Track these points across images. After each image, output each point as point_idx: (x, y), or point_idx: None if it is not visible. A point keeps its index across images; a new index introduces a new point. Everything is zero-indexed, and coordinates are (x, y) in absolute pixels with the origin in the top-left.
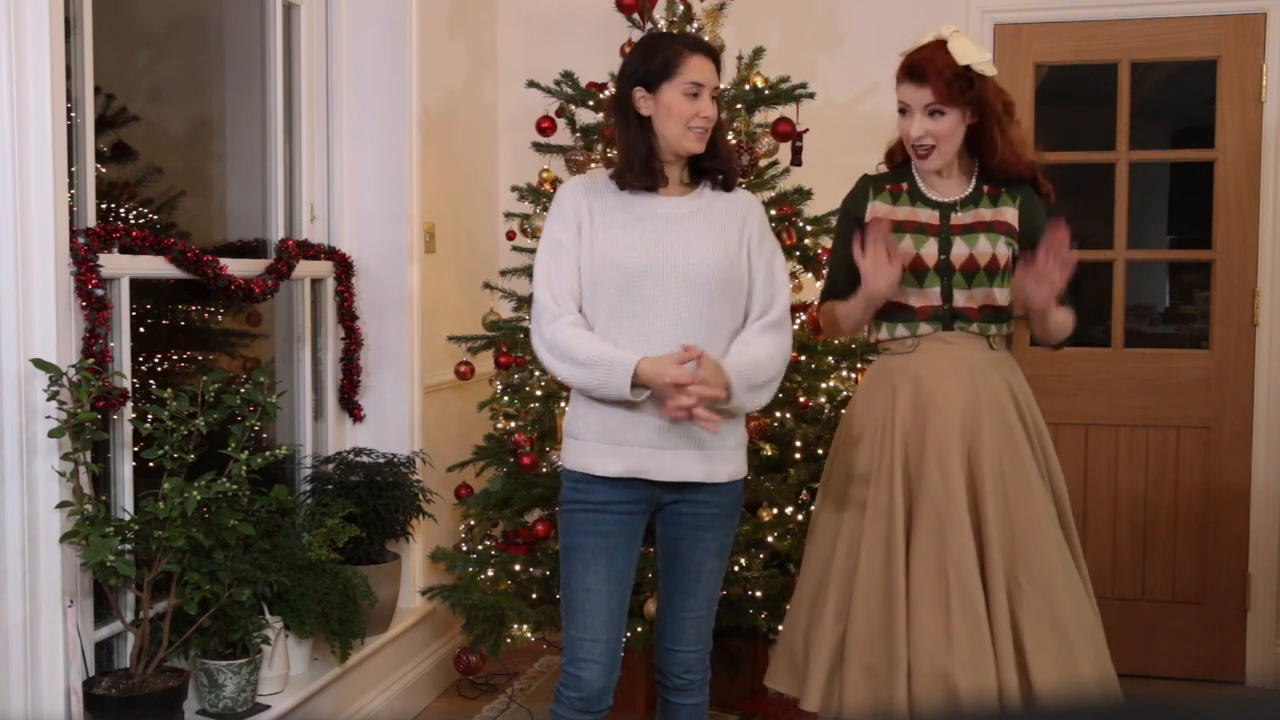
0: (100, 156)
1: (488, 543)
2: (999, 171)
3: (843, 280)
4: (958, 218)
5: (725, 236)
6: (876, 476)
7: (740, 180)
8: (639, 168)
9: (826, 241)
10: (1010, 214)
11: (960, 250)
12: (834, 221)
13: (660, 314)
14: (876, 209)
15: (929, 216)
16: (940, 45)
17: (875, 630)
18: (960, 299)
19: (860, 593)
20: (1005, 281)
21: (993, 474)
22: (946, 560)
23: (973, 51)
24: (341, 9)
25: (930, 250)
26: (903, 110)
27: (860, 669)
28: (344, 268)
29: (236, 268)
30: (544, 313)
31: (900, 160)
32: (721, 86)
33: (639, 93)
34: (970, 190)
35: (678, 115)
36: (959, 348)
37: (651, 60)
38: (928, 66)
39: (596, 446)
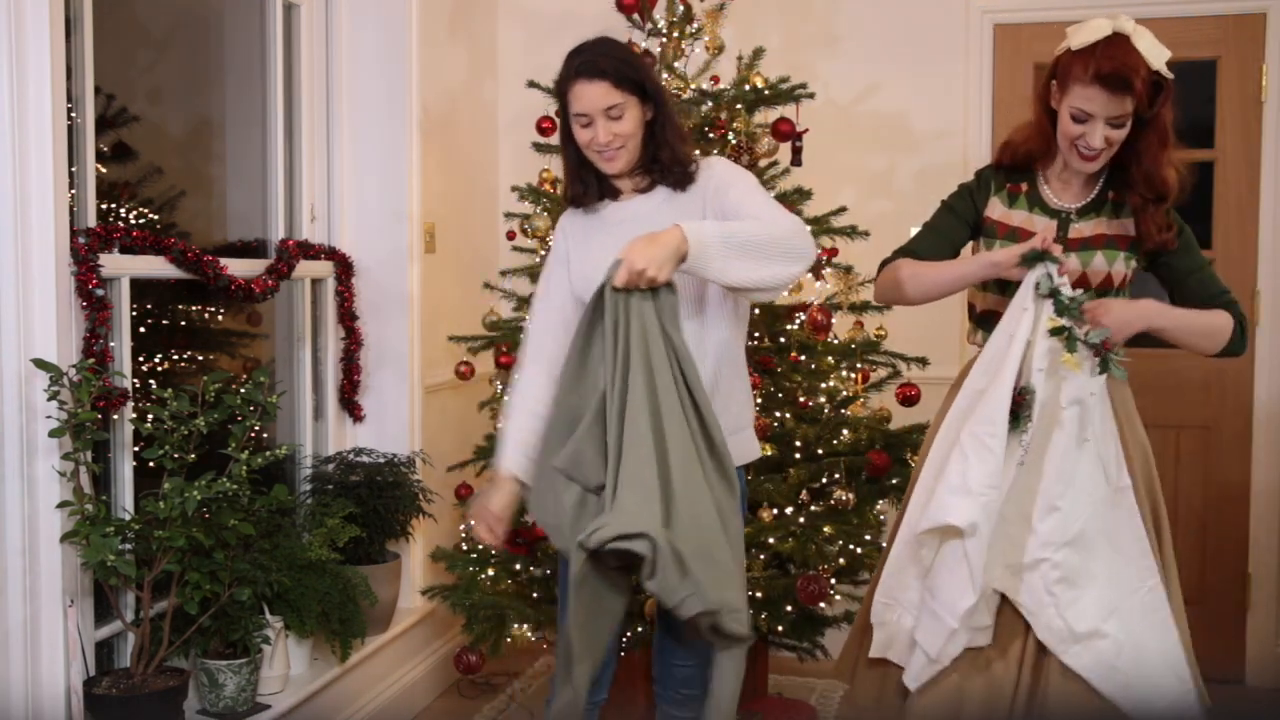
0: (100, 156)
1: None
2: (1140, 181)
3: (927, 248)
4: (1076, 229)
5: (695, 217)
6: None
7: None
8: (579, 184)
9: (827, 241)
10: (1130, 224)
11: (1073, 266)
12: (835, 221)
13: None
14: (994, 206)
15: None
16: (1128, 46)
17: None
18: None
19: None
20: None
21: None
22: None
23: (1156, 52)
24: (341, 9)
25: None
26: (1079, 117)
27: None
28: (344, 268)
29: (236, 268)
30: (521, 350)
31: (1023, 156)
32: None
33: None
34: (1094, 195)
35: (583, 146)
36: None
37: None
38: (1133, 77)
39: None
